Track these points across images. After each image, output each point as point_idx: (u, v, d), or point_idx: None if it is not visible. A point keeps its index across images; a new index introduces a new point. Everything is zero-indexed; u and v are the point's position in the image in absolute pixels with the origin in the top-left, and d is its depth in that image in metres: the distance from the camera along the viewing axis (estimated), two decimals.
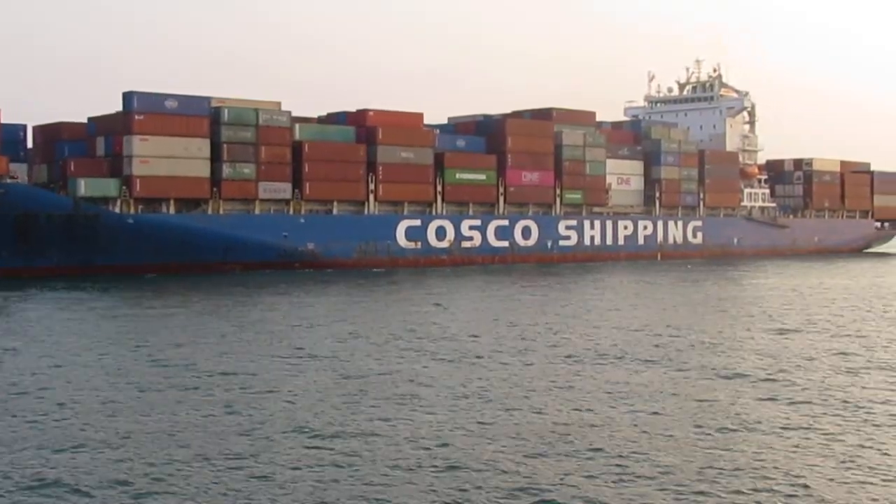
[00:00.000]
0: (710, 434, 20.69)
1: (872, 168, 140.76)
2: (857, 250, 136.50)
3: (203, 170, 77.73)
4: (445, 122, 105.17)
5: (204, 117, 77.83)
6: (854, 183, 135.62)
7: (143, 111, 75.15)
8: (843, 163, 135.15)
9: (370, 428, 21.18)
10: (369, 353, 32.34)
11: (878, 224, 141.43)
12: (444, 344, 34.56)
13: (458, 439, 20.13)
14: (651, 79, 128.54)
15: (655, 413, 22.80)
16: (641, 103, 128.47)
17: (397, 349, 33.20)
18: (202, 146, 77.54)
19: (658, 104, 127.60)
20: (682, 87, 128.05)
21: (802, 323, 41.96)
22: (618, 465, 18.12)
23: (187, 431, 20.90)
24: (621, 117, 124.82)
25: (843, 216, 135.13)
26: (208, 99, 79.12)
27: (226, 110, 79.23)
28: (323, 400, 24.27)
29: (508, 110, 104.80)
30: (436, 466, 18.08)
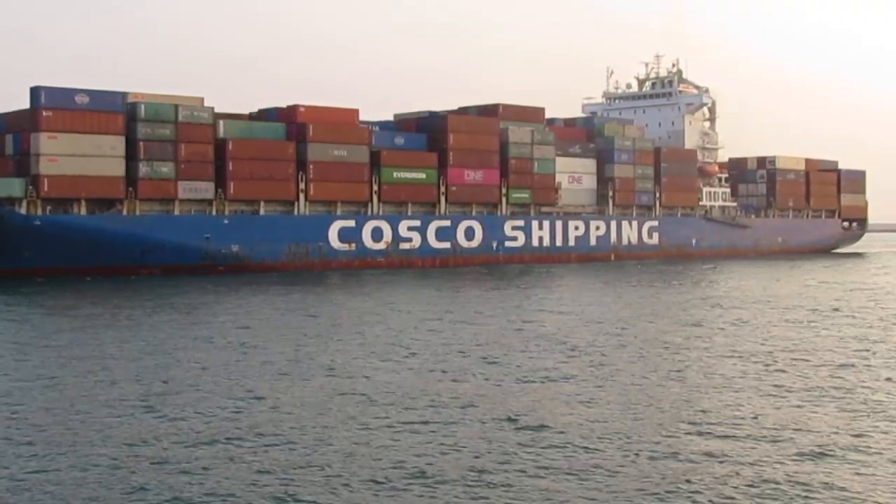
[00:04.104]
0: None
1: (840, 166, 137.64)
2: (824, 251, 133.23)
3: (117, 168, 73.95)
4: (391, 118, 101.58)
5: (118, 113, 73.97)
6: (820, 182, 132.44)
7: (51, 107, 71.28)
8: (808, 161, 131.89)
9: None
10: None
11: (846, 224, 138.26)
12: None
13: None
14: (610, 74, 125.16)
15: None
16: (600, 100, 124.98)
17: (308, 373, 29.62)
18: (116, 144, 73.71)
19: (616, 100, 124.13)
20: (641, 83, 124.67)
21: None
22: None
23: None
24: (581, 114, 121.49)
25: (808, 216, 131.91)
26: (124, 94, 75.35)
27: (142, 106, 75.46)
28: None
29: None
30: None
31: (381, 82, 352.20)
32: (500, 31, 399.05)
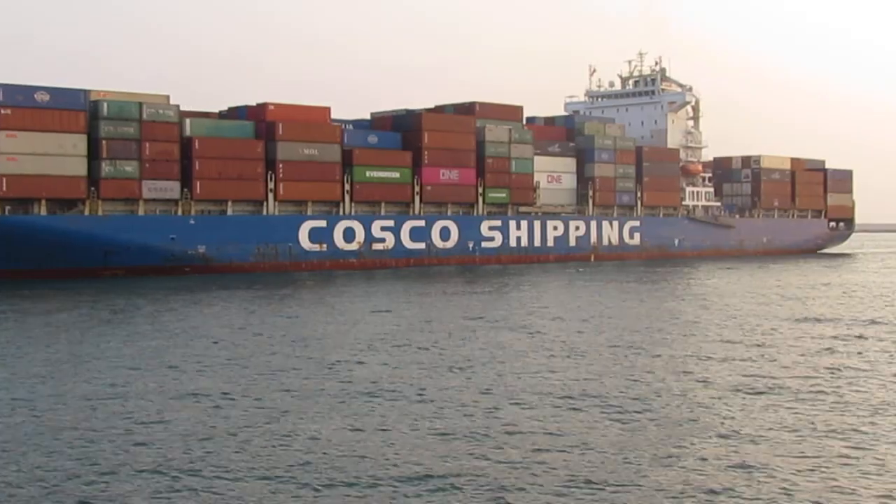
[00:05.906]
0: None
1: (827, 166, 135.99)
2: (810, 251, 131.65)
3: (79, 168, 72.46)
4: (368, 116, 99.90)
5: (80, 111, 72.52)
6: (806, 181, 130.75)
7: (9, 105, 69.74)
8: (794, 160, 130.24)
9: None
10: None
11: (833, 224, 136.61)
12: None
13: None
14: (592, 73, 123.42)
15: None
16: (582, 98, 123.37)
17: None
18: (77, 142, 72.27)
19: (599, 99, 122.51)
20: (624, 81, 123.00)
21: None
22: None
23: None
24: (563, 112, 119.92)
25: (793, 216, 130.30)
26: (85, 92, 73.78)
27: (105, 104, 73.88)
28: None
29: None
30: None
31: (361, 80, 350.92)
32: (484, 29, 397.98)
